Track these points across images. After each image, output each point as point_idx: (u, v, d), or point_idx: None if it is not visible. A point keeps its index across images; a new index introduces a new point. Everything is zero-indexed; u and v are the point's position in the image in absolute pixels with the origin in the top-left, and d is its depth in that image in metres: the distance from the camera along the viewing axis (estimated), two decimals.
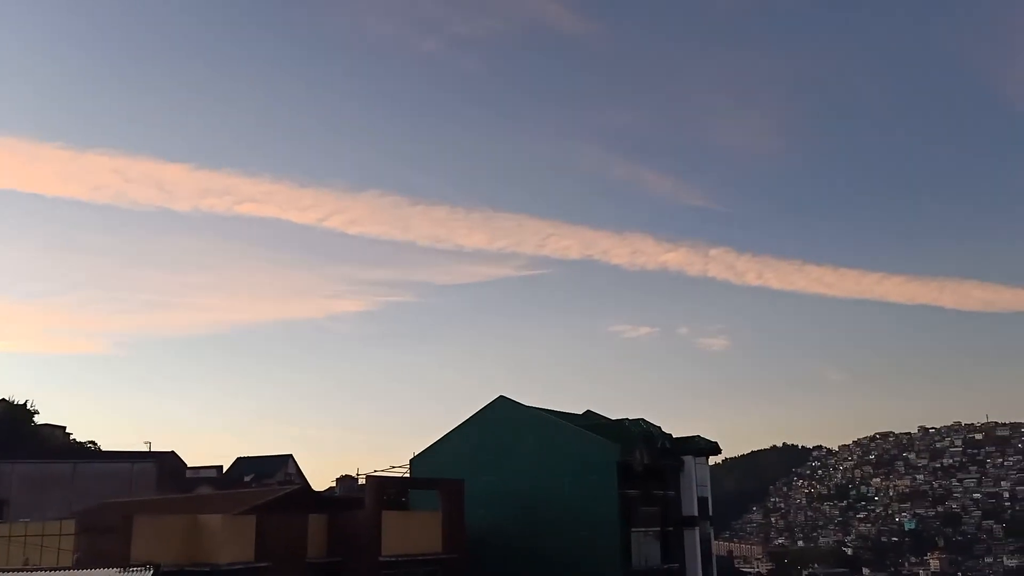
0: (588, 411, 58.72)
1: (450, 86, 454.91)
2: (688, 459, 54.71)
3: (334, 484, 65.21)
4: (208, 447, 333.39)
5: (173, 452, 68.47)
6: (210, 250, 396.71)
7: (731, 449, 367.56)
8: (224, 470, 74.54)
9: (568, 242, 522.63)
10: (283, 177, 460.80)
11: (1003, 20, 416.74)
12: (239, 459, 79.24)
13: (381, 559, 37.10)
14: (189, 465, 69.20)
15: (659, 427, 54.90)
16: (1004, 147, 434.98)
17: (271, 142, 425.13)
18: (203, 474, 68.48)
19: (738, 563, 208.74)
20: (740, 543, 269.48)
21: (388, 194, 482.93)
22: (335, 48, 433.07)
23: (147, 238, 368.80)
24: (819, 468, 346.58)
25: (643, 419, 53.86)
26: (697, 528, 53.93)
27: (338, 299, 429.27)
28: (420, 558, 39.19)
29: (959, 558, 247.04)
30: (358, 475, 59.45)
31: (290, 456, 78.70)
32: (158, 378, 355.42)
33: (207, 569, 31.96)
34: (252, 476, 71.49)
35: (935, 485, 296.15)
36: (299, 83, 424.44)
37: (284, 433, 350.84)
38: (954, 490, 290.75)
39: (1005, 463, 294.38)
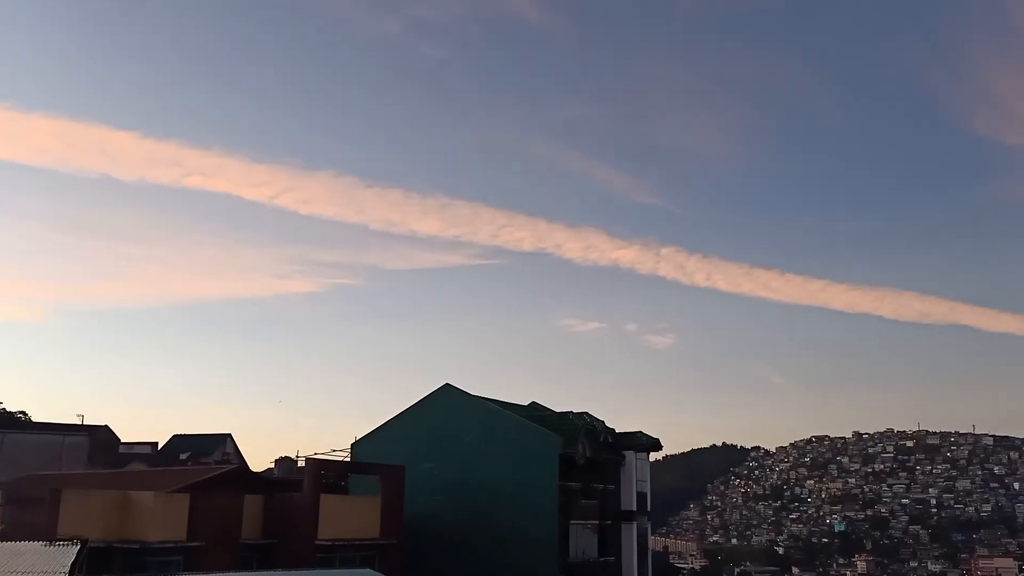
0: (533, 403, 58.78)
1: (409, 69, 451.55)
2: (629, 454, 55.11)
3: (272, 465, 64.35)
4: (144, 423, 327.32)
5: (107, 426, 66.93)
6: (155, 222, 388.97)
7: (672, 446, 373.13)
8: (159, 447, 73.17)
9: (522, 233, 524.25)
10: (235, 151, 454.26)
11: (956, 43, 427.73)
12: (175, 436, 77.80)
13: (317, 542, 36.70)
14: (123, 440, 67.75)
15: (602, 421, 55.19)
16: (950, 165, 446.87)
17: (223, 115, 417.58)
18: (137, 450, 67.16)
19: (673, 559, 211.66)
20: (676, 539, 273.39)
21: (343, 175, 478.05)
22: (293, 22, 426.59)
23: (90, 206, 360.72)
24: (756, 468, 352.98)
25: (587, 413, 54.08)
26: (635, 523, 54.39)
27: (286, 279, 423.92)
28: (357, 543, 38.86)
29: (885, 561, 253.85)
30: (298, 457, 58.71)
31: (228, 435, 77.50)
32: (95, 350, 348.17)
33: (136, 546, 31.30)
34: (188, 454, 70.31)
35: (866, 489, 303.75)
36: (255, 56, 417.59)
37: (224, 412, 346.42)
38: (884, 495, 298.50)
39: (934, 471, 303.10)
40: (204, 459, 67.53)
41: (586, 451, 49.79)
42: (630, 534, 54.01)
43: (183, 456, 69.66)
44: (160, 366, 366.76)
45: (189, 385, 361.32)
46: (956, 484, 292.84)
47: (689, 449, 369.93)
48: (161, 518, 32.26)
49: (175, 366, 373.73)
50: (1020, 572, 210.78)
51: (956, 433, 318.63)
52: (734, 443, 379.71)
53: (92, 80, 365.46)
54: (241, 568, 33.41)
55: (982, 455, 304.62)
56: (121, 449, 66.32)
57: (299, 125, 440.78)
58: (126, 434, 69.45)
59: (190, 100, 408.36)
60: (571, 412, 53.75)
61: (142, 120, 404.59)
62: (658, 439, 57.58)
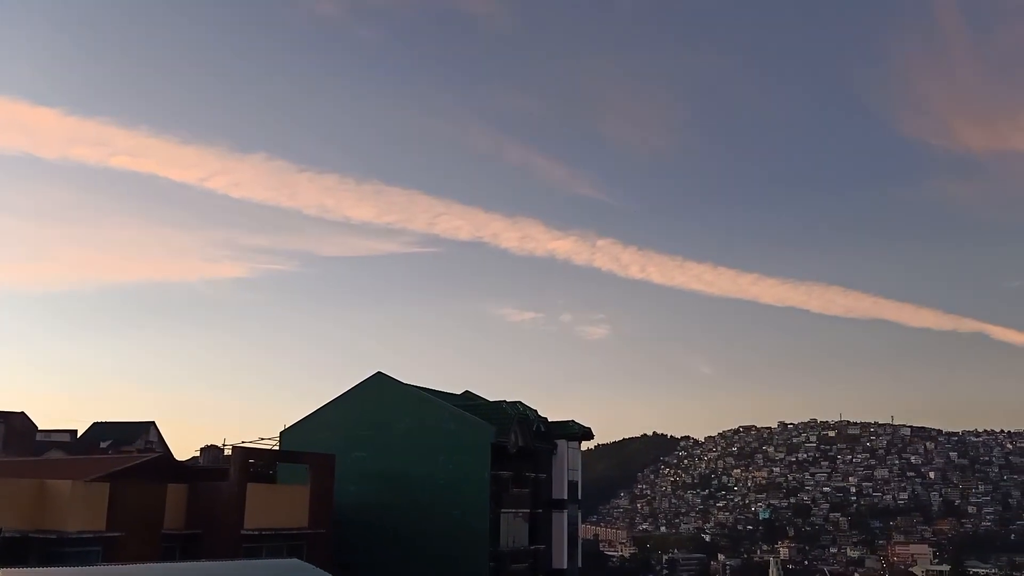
0: (467, 391, 58.68)
1: (346, 53, 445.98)
2: (561, 443, 55.40)
3: (198, 454, 62.92)
4: (63, 409, 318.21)
5: (23, 413, 64.55)
6: (78, 202, 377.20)
7: (603, 435, 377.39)
8: (79, 435, 70.88)
9: (459, 222, 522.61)
10: (163, 132, 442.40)
11: (885, 45, 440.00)
12: (95, 424, 75.41)
13: (243, 532, 35.92)
14: (40, 427, 65.48)
15: (535, 410, 55.36)
16: (876, 164, 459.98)
17: (151, 94, 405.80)
18: (55, 438, 65.03)
19: (603, 547, 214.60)
20: (606, 527, 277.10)
21: (275, 158, 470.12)
22: (225, 1, 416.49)
23: (10, 185, 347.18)
24: (685, 458, 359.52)
25: (520, 402, 54.18)
26: (566, 511, 54.73)
27: (215, 263, 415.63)
28: (285, 532, 38.20)
29: (806, 547, 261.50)
30: (224, 446, 57.46)
31: (152, 423, 75.47)
32: (12, 333, 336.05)
33: (53, 536, 30.22)
34: (109, 442, 68.25)
35: (790, 478, 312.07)
36: (184, 35, 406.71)
37: (148, 399, 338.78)
38: (806, 483, 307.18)
39: (854, 460, 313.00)
40: (126, 447, 65.63)
41: (518, 440, 49.87)
42: (560, 522, 54.33)
43: (104, 444, 67.61)
44: (81, 351, 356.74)
45: (112, 371, 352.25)
46: (875, 473, 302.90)
47: (620, 438, 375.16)
48: (79, 507, 31.18)
49: (97, 351, 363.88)
50: (935, 558, 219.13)
51: (875, 424, 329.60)
52: (664, 433, 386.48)
53: (12, 53, 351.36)
54: (163, 559, 32.56)
55: (900, 445, 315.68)
56: (38, 436, 64.13)
57: (230, 107, 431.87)
58: (44, 421, 67.27)
59: (116, 78, 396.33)
60: (504, 401, 53.77)
61: (65, 96, 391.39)
62: (590, 428, 58.02)
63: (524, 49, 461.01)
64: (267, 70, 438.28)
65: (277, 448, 49.90)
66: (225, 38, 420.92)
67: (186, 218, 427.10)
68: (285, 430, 51.75)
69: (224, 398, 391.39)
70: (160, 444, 72.05)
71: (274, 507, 38.55)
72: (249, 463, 39.86)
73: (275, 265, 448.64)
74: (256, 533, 36.44)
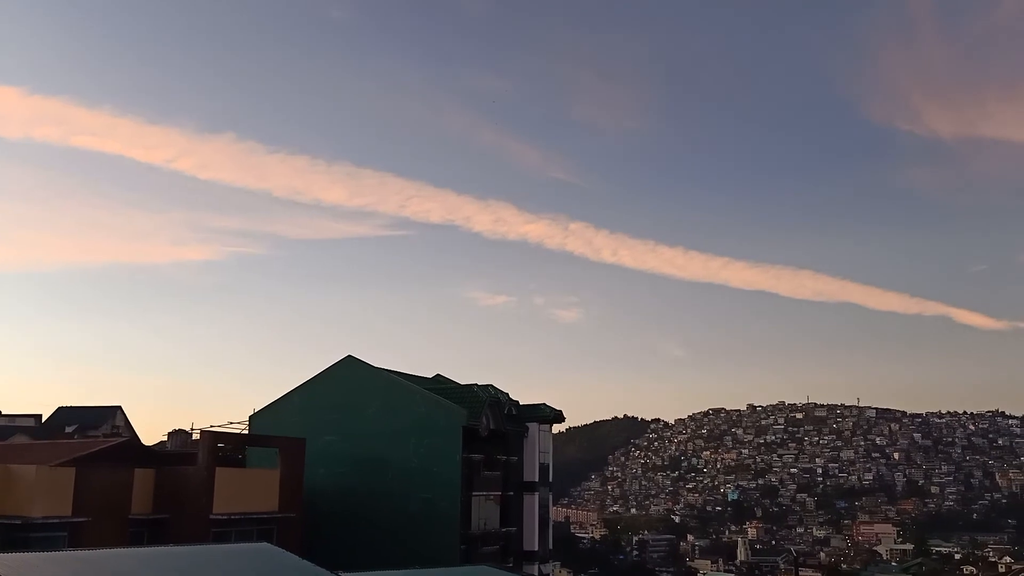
0: (438, 375, 58.56)
1: (316, 32, 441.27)
2: (533, 426, 55.55)
3: (165, 439, 62.29)
4: (27, 394, 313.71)
5: None
6: (41, 182, 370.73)
7: (574, 418, 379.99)
8: (43, 419, 69.94)
9: (431, 205, 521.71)
10: (128, 111, 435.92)
11: (856, 31, 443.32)
12: (60, 408, 74.45)
13: (212, 516, 35.68)
14: (4, 412, 64.64)
15: (507, 393, 55.41)
16: (845, 149, 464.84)
17: (115, 72, 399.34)
18: (19, 422, 64.22)
19: (574, 528, 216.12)
20: (577, 510, 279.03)
21: (244, 139, 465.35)
22: None
23: None
24: (656, 440, 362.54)
25: (492, 385, 54.17)
26: (537, 494, 54.98)
27: (183, 245, 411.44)
28: (255, 516, 37.98)
29: (774, 527, 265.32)
30: (192, 430, 56.91)
31: (118, 408, 74.63)
32: None
33: (18, 521, 29.86)
34: (75, 427, 67.45)
35: (758, 459, 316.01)
36: (149, 11, 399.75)
37: (114, 383, 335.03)
38: (774, 464, 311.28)
39: (821, 442, 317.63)
40: (92, 432, 64.94)
41: (490, 423, 49.89)
42: (532, 505, 54.57)
43: (69, 429, 66.81)
44: (46, 334, 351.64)
45: (77, 355, 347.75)
46: (841, 454, 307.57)
47: (591, 421, 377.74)
48: (44, 492, 30.84)
49: (62, 334, 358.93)
50: (899, 537, 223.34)
51: (842, 406, 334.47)
52: (635, 415, 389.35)
53: None
54: (131, 543, 32.26)
55: (865, 427, 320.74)
56: (2, 421, 63.37)
57: (197, 86, 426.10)
58: (8, 406, 66.37)
59: (79, 56, 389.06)
60: (476, 384, 53.70)
61: (27, 75, 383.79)
62: (561, 411, 58.20)
63: (498, 32, 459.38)
64: (236, 49, 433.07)
65: (246, 432, 49.49)
66: (192, 16, 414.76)
67: (153, 199, 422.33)
68: (254, 414, 51.36)
69: (192, 382, 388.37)
70: (127, 429, 71.36)
71: (244, 491, 38.28)
72: (218, 447, 39.57)
73: (244, 248, 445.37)
74: (225, 517, 36.22)
